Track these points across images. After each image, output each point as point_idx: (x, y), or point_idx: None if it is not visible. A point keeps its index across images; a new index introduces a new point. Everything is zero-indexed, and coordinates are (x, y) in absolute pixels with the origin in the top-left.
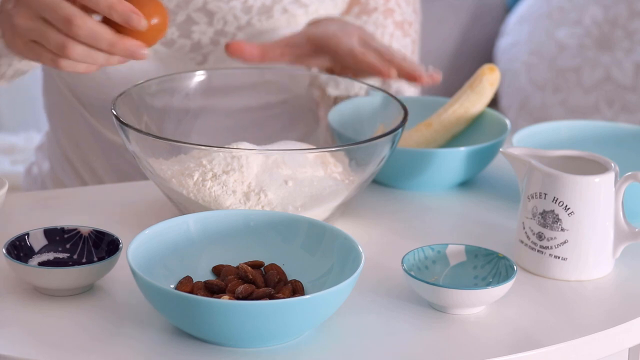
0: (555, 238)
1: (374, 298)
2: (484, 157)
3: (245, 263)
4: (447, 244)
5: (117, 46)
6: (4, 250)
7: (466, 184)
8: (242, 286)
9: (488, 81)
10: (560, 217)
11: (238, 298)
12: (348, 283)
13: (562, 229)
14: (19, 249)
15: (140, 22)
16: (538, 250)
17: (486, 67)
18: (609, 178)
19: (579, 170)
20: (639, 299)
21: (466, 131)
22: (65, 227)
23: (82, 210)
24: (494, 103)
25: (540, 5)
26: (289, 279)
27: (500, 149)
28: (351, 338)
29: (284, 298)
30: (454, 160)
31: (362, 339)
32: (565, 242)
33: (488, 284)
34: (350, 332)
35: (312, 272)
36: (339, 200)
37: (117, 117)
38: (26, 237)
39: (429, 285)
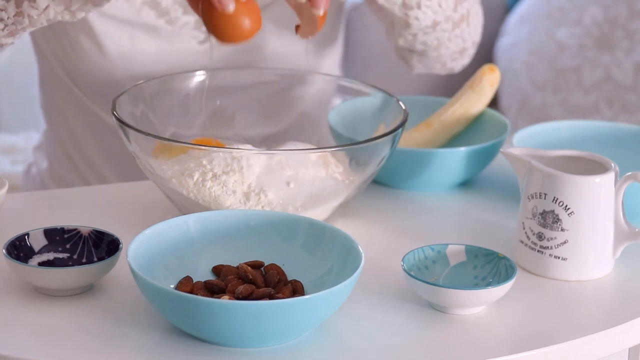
0: (555, 238)
1: (374, 298)
2: (484, 157)
3: (245, 263)
4: (447, 244)
5: None
6: (4, 250)
7: (466, 184)
8: (242, 286)
9: (488, 81)
10: (560, 217)
11: (238, 298)
12: (348, 283)
13: (562, 229)
14: (19, 249)
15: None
16: (538, 251)
17: (486, 67)
18: (609, 178)
19: (579, 170)
20: (639, 299)
21: (466, 131)
22: (65, 227)
23: (82, 210)
24: (494, 103)
25: (540, 5)
26: (289, 279)
27: (501, 149)
28: (351, 338)
29: (284, 298)
30: (454, 160)
31: (362, 338)
32: (565, 242)
33: (488, 284)
34: (350, 332)
35: (312, 272)
36: (339, 200)
37: (117, 117)
38: (26, 237)
39: (429, 285)
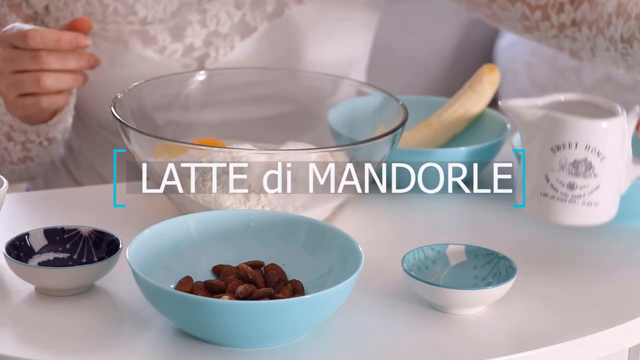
0: (588, 185)
1: (374, 298)
2: (484, 157)
3: (245, 263)
4: (447, 244)
5: (62, 39)
6: (4, 250)
7: (466, 184)
8: (242, 286)
9: (488, 81)
10: (593, 163)
11: (238, 298)
12: (348, 283)
13: (595, 175)
14: (19, 249)
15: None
16: (569, 201)
17: (486, 67)
18: (625, 117)
19: (586, 114)
20: (639, 299)
21: (466, 131)
22: (65, 227)
23: (82, 210)
24: (494, 103)
25: None
26: (289, 279)
27: (500, 102)
28: (351, 338)
29: (284, 298)
30: (454, 161)
31: (362, 339)
32: (597, 188)
33: (488, 284)
34: (350, 332)
35: (312, 272)
36: (339, 200)
37: (117, 117)
38: (26, 237)
39: (429, 285)
